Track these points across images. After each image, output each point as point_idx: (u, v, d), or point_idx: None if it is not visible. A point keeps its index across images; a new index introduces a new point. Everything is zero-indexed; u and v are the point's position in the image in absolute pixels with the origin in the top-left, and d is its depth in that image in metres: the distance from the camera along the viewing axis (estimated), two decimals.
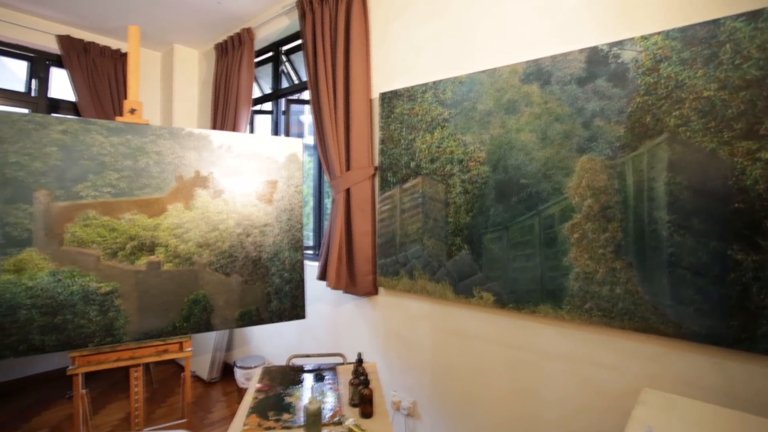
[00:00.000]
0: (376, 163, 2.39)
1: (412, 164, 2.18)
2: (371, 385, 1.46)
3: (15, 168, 1.72)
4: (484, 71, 1.91)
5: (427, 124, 2.12)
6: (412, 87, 2.19)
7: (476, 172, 1.93)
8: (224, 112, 3.35)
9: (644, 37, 1.49)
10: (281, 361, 3.09)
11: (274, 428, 1.27)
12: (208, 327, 2.07)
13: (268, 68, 3.54)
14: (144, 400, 2.03)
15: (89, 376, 3.35)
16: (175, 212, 1.99)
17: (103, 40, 3.62)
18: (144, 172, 1.94)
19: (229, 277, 2.10)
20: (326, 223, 2.94)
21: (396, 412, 2.29)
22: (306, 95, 3.26)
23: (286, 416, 1.37)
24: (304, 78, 3.23)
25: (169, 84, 3.89)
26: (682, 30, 1.42)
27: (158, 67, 4.05)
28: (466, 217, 1.97)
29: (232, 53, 3.37)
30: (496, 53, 1.92)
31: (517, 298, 1.81)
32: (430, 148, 2.11)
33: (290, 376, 1.78)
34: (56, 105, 3.58)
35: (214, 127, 3.46)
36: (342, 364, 1.87)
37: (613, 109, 1.55)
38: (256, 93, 3.51)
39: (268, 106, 3.58)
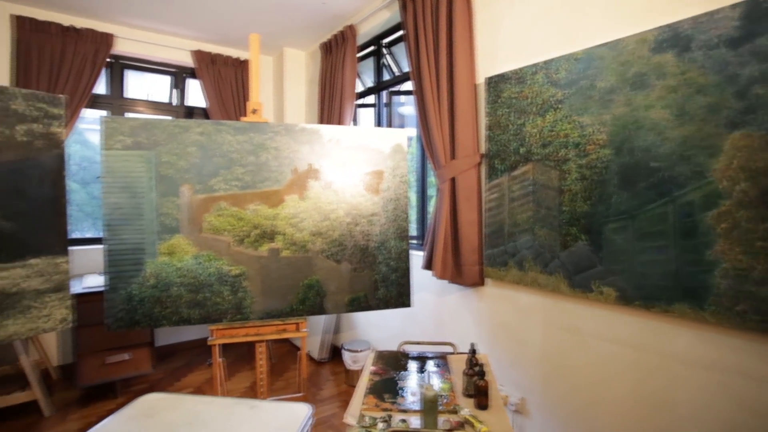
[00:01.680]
0: (483, 150, 2.32)
1: (522, 150, 2.07)
2: (486, 377, 1.43)
3: (166, 166, 2.01)
4: (604, 44, 1.73)
5: (538, 107, 1.99)
6: (521, 69, 2.06)
7: (595, 156, 1.77)
8: (330, 108, 3.53)
9: None
10: (386, 347, 3.19)
11: (390, 410, 1.31)
12: (321, 310, 2.21)
13: (369, 62, 3.63)
14: (267, 372, 2.24)
15: (223, 347, 3.82)
16: (292, 203, 2.15)
17: (225, 51, 4.04)
18: (264, 167, 2.13)
19: (339, 264, 2.22)
20: (430, 213, 2.95)
21: (503, 407, 2.22)
22: (408, 86, 3.28)
23: (400, 399, 1.41)
24: (406, 69, 3.26)
25: (280, 85, 4.21)
26: None
27: (270, 70, 4.41)
28: (583, 205, 1.81)
29: (336, 51, 3.52)
30: (619, 23, 1.72)
31: (645, 295, 1.62)
32: (541, 132, 1.98)
33: (402, 361, 1.83)
34: (191, 111, 4.11)
35: (321, 121, 3.66)
36: (452, 353, 1.86)
37: None
38: (359, 87, 3.63)
39: (370, 99, 3.68)
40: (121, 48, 3.56)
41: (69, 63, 3.24)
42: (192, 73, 4.01)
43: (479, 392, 1.39)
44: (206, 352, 3.92)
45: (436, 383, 1.32)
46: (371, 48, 3.53)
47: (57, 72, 3.20)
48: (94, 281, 3.06)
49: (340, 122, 3.36)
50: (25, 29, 3.14)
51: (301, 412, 1.39)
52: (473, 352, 1.49)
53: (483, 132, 2.31)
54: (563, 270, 1.90)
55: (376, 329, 3.32)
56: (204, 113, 4.12)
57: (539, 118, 1.99)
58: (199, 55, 3.85)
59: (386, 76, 3.48)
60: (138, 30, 3.64)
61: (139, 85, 3.96)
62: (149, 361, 3.09)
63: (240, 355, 3.77)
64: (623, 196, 1.68)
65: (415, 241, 3.02)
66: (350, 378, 3.22)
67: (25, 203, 1.78)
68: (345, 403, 2.96)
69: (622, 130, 1.68)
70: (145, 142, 2.01)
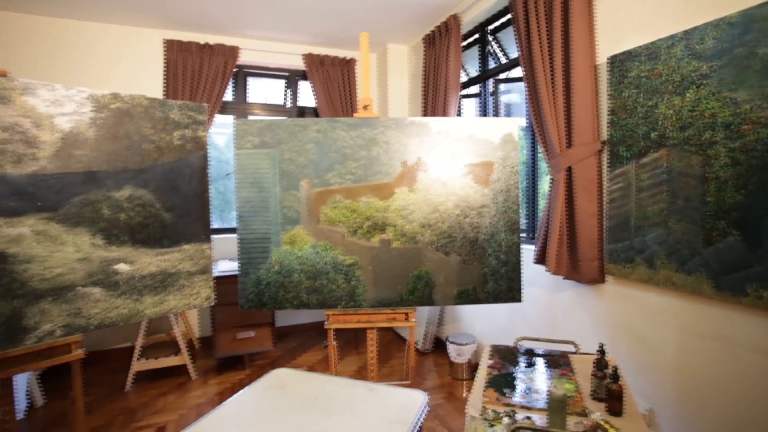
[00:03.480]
0: (604, 137, 2.12)
1: (653, 135, 1.86)
2: (620, 382, 1.32)
3: (288, 163, 2.20)
4: None
5: (676, 85, 1.76)
6: (653, 43, 1.84)
7: (753, 138, 1.51)
8: (434, 100, 3.52)
9: None
10: (491, 341, 3.11)
11: (513, 405, 1.29)
12: (429, 301, 2.24)
13: (474, 51, 3.54)
14: (376, 358, 2.34)
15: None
16: (402, 195, 2.20)
17: (332, 52, 4.26)
18: (376, 160, 2.21)
19: (448, 256, 2.22)
20: (541, 205, 2.80)
21: (640, 415, 2.03)
22: (515, 73, 3.13)
23: (522, 396, 1.37)
24: (514, 55, 3.11)
25: (384, 80, 4.31)
26: None
27: (374, 67, 4.54)
28: (735, 195, 1.57)
29: (439, 42, 3.49)
30: None
31: None
32: (679, 113, 1.75)
33: (519, 357, 1.77)
34: (303, 111, 4.42)
35: (425, 114, 3.68)
36: (574, 353, 1.76)
37: None
38: (462, 77, 3.56)
39: (473, 89, 3.60)
40: (244, 58, 3.96)
41: (205, 75, 3.69)
42: (303, 75, 4.30)
43: (612, 397, 1.28)
44: (317, 335, 4.23)
45: (561, 383, 1.26)
46: (475, 36, 3.44)
47: (196, 84, 3.67)
48: (225, 266, 3.48)
49: (444, 114, 3.34)
50: (173, 50, 3.66)
51: (417, 399, 1.43)
52: (602, 353, 1.38)
53: (604, 117, 2.12)
54: (706, 269, 1.67)
55: (482, 323, 3.26)
56: (314, 112, 4.40)
57: (676, 98, 1.75)
58: (309, 58, 4.11)
59: (492, 64, 3.37)
60: (258, 40, 4.01)
61: (257, 90, 4.37)
62: (270, 339, 3.43)
63: (347, 341, 3.99)
64: None
65: (524, 234, 2.89)
66: (454, 371, 3.22)
67: (180, 197, 2.09)
68: (449, 395, 2.97)
69: None
70: (269, 141, 2.22)
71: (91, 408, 2.86)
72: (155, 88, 3.67)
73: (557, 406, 1.11)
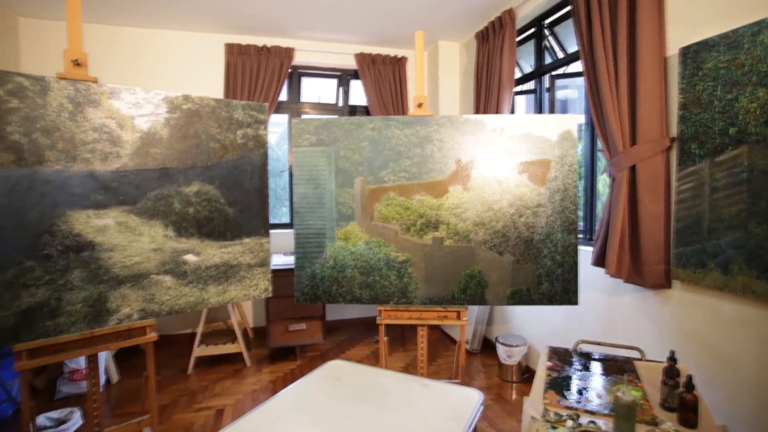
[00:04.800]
0: (673, 133, 2.01)
1: (732, 130, 1.73)
2: (694, 392, 1.25)
3: (343, 160, 2.25)
4: None
5: (761, 76, 1.63)
6: (735, 31, 1.71)
7: None
8: (487, 97, 3.47)
9: None
10: (543, 344, 3.04)
11: (575, 408, 1.26)
12: (481, 301, 2.22)
13: (528, 46, 3.45)
14: (426, 354, 2.35)
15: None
16: (455, 193, 2.19)
17: (384, 51, 4.29)
18: (429, 158, 2.22)
19: (501, 256, 2.19)
20: (600, 205, 2.69)
21: (718, 430, 1.91)
22: (573, 68, 3.02)
23: (584, 400, 1.33)
24: (572, 49, 3.00)
25: (435, 78, 4.29)
26: None
27: (425, 64, 4.53)
28: None
29: (493, 38, 3.43)
30: None
31: None
32: (764, 107, 1.62)
33: (579, 360, 1.72)
34: (354, 110, 4.50)
35: (477, 112, 3.63)
36: (639, 359, 1.68)
37: None
38: (516, 74, 3.48)
39: (527, 86, 3.50)
40: (298, 59, 4.08)
41: (262, 76, 3.85)
42: (355, 74, 4.37)
43: (686, 407, 1.21)
44: (365, 330, 4.30)
45: (627, 389, 1.21)
46: (531, 31, 3.34)
47: (254, 85, 3.84)
48: (278, 260, 3.61)
49: (497, 111, 3.28)
50: (233, 53, 3.84)
51: (472, 397, 1.43)
52: (673, 360, 1.31)
53: (674, 112, 2.00)
54: None
55: (533, 325, 3.18)
56: (365, 111, 4.47)
57: (761, 90, 1.62)
58: (360, 57, 4.17)
59: (548, 59, 3.26)
60: (311, 41, 4.12)
61: (310, 89, 4.50)
62: (321, 332, 3.53)
63: (394, 338, 4.02)
64: None
65: (581, 235, 2.79)
66: (503, 372, 3.16)
67: (242, 193, 2.21)
68: (498, 397, 2.93)
69: None
70: (326, 139, 2.28)
71: (159, 387, 3.07)
72: (216, 90, 3.88)
73: (625, 413, 1.06)
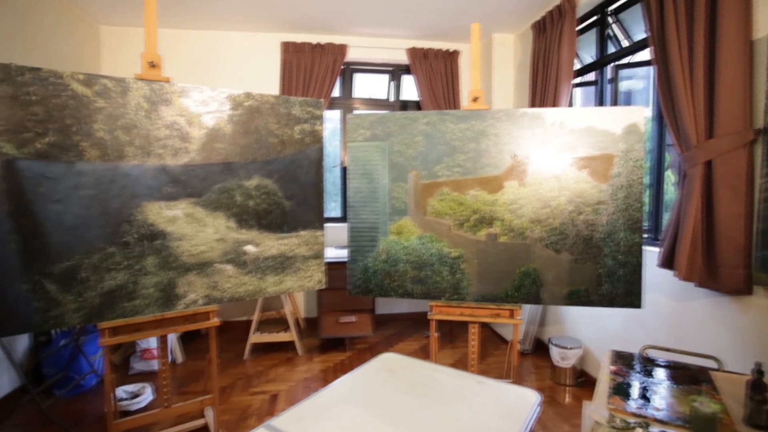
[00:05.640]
0: (759, 125, 1.84)
1: None
2: None
3: (397, 155, 2.26)
4: None
5: None
6: None
7: None
8: (543, 90, 3.35)
9: None
10: (600, 348, 2.91)
11: (644, 416, 1.19)
12: (536, 300, 2.15)
13: (589, 36, 3.28)
14: (477, 352, 2.32)
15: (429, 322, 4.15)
16: (511, 189, 2.14)
17: (436, 45, 4.25)
18: (485, 153, 2.18)
19: (558, 254, 2.11)
20: (669, 203, 2.52)
21: None
22: (639, 56, 2.84)
23: (653, 408, 1.26)
24: (639, 37, 2.82)
25: (488, 71, 4.20)
26: None
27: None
28: None
29: (550, 28, 3.30)
30: None
31: None
32: None
33: (646, 366, 1.63)
34: (405, 105, 4.50)
35: (532, 105, 3.51)
36: (716, 370, 1.56)
37: None
38: (575, 65, 3.33)
39: (586, 77, 3.33)
40: (351, 55, 4.13)
41: (316, 73, 3.94)
42: (406, 70, 4.37)
43: None
44: (413, 325, 4.31)
45: (705, 401, 1.12)
46: (593, 19, 3.18)
47: (308, 82, 3.94)
48: (330, 253, 3.70)
49: (554, 105, 3.16)
50: (289, 51, 3.96)
51: (530, 397, 1.40)
52: (760, 373, 1.20)
53: (760, 102, 1.83)
54: None
55: (589, 327, 3.05)
56: (416, 106, 4.45)
57: None
58: (413, 51, 4.16)
59: (611, 49, 3.09)
60: (364, 37, 4.16)
61: (361, 85, 4.54)
62: (370, 325, 3.58)
63: (443, 334, 4.00)
64: None
65: (647, 235, 2.63)
66: (556, 374, 3.06)
67: (298, 187, 2.28)
68: (551, 400, 2.84)
69: None
70: (380, 134, 2.30)
71: (218, 370, 3.26)
72: (272, 87, 4.02)
73: (704, 426, 0.99)
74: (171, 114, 1.95)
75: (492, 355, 3.57)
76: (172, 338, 3.36)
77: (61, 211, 1.74)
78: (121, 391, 2.75)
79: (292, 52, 3.96)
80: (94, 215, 1.80)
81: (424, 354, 3.57)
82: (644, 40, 2.54)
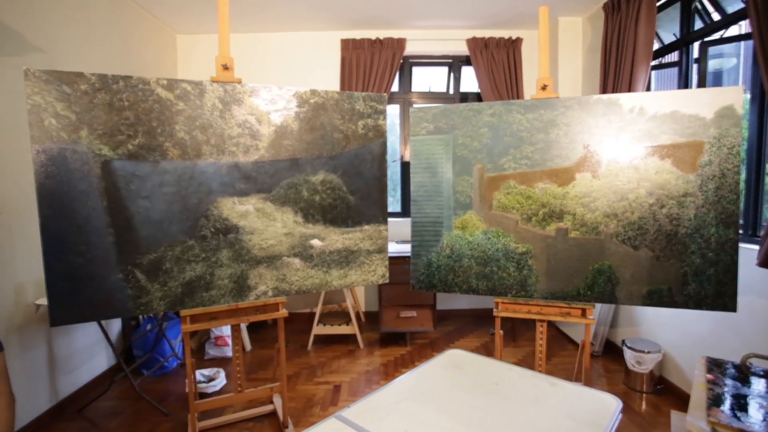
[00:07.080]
0: None
1: None
2: None
3: (461, 148, 2.21)
4: None
5: None
6: None
7: None
8: (616, 74, 3.12)
9: None
10: (682, 354, 2.68)
11: None
12: (611, 299, 2.02)
13: (670, 12, 3.01)
14: (545, 352, 2.23)
15: (492, 320, 4.06)
16: (583, 181, 2.02)
17: (497, 33, 4.10)
18: (554, 144, 2.07)
19: (637, 251, 1.96)
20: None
21: None
22: (733, 31, 2.55)
23: (764, 424, 1.13)
24: (731, 9, 2.54)
25: (554, 58, 3.99)
26: None
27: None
28: None
29: (626, 7, 3.06)
30: None
31: None
32: None
33: (749, 377, 1.47)
34: (465, 97, 4.40)
35: (603, 92, 3.29)
36: None
37: None
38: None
39: (666, 58, 3.06)
40: (410, 49, 4.11)
41: (375, 68, 3.96)
42: (466, 61, 4.26)
43: None
44: (474, 322, 4.23)
45: None
46: None
47: (368, 77, 3.97)
48: (391, 248, 3.72)
49: (630, 90, 2.93)
50: (348, 48, 4.01)
51: (609, 403, 1.31)
52: None
53: None
54: None
55: (668, 330, 2.81)
56: (476, 97, 4.34)
57: None
58: (472, 42, 4.05)
59: (698, 25, 2.81)
60: (422, 30, 4.11)
61: (420, 79, 4.50)
62: (431, 321, 3.56)
63: (505, 332, 3.89)
64: None
65: (742, 231, 2.38)
66: (630, 380, 2.86)
67: (362, 181, 2.31)
68: (625, 406, 2.66)
69: None
70: (444, 127, 2.26)
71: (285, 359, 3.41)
72: (333, 84, 4.10)
73: None
74: (242, 113, 2.04)
75: (558, 356, 3.41)
76: (244, 327, 3.55)
77: (149, 207, 1.89)
78: (199, 374, 2.96)
79: (351, 49, 4.01)
80: (176, 210, 1.94)
81: (485, 351, 3.49)
82: (740, 11, 2.28)
